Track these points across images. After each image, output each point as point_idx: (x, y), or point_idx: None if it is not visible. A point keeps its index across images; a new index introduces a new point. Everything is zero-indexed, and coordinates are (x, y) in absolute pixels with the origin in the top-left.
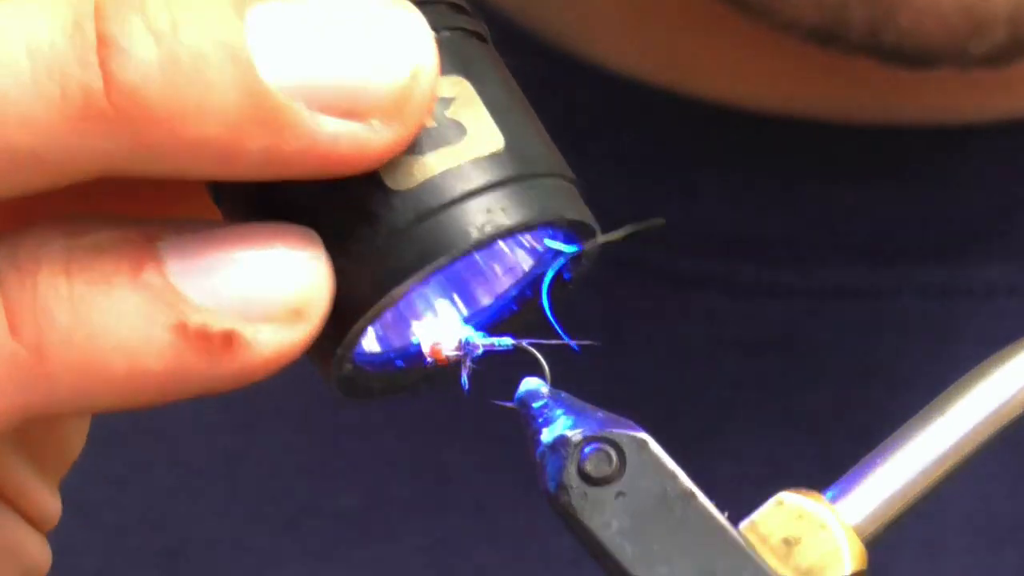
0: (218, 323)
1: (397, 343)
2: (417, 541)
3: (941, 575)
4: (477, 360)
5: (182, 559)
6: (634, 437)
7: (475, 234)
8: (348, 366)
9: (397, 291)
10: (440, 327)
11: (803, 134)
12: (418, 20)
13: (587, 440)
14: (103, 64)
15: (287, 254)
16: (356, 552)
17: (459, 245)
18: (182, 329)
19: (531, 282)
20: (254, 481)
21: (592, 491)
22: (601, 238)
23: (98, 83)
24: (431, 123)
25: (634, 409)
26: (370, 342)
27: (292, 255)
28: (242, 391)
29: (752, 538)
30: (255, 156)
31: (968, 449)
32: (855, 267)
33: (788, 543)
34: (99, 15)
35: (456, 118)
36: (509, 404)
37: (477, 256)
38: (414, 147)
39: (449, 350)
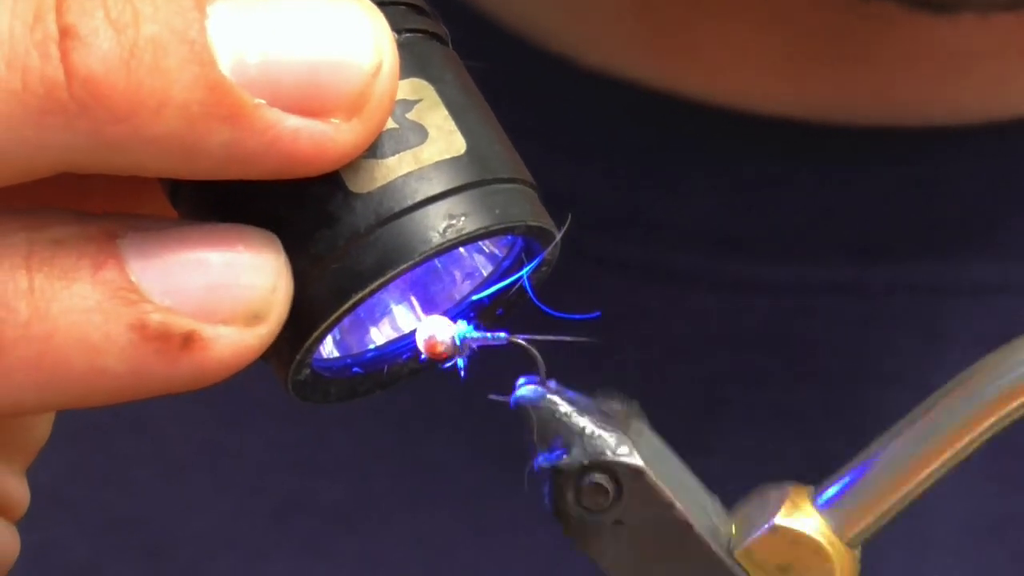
0: (178, 323)
1: (355, 348)
2: (404, 534)
3: (930, 574)
4: (471, 355)
5: (169, 554)
6: (630, 466)
7: (437, 239)
8: (306, 371)
9: (357, 297)
10: (435, 322)
11: (793, 132)
12: (378, 20)
13: (584, 469)
14: (65, 57)
15: (248, 257)
16: (343, 546)
17: (420, 251)
18: (141, 328)
19: (490, 287)
20: (240, 475)
21: (590, 518)
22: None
23: (60, 76)
24: (392, 125)
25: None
26: (327, 347)
27: (253, 258)
28: (227, 384)
29: (747, 565)
30: (216, 152)
31: (959, 451)
32: (845, 264)
33: (783, 570)
34: (60, 7)
35: (418, 120)
36: (503, 398)
37: (437, 261)
38: (375, 150)
39: (444, 345)
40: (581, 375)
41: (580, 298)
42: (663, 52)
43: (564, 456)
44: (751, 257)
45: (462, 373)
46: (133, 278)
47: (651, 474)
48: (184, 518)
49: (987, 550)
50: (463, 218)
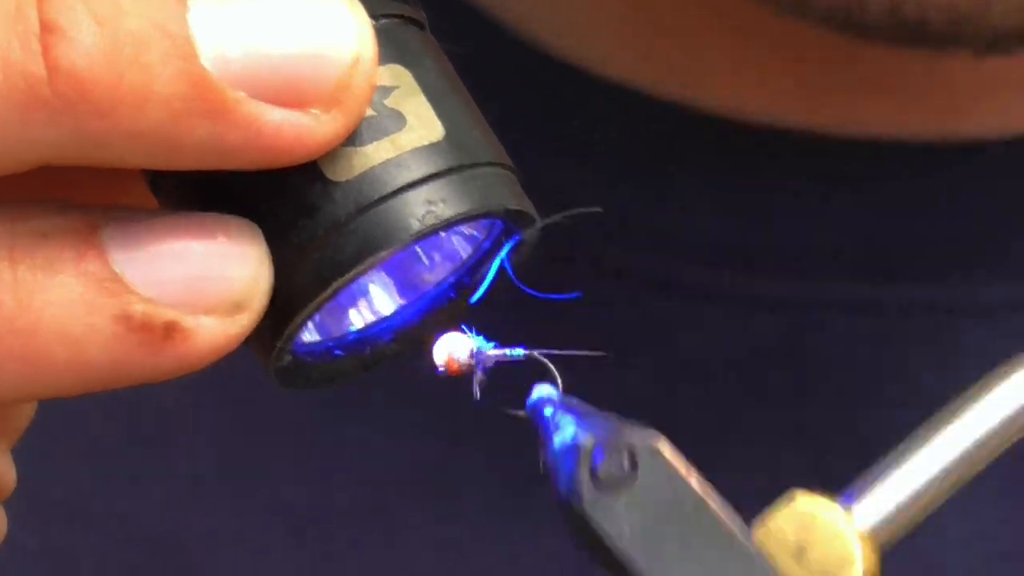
0: (160, 313)
1: (335, 332)
2: (418, 543)
3: None
4: (488, 370)
5: (187, 567)
6: (647, 441)
7: (416, 226)
8: (287, 357)
9: (338, 284)
10: (452, 338)
11: (806, 146)
12: (357, 10)
13: (599, 444)
14: (47, 51)
15: (230, 247)
16: (356, 554)
17: (400, 237)
18: (125, 319)
19: (469, 269)
20: (257, 488)
21: (604, 497)
22: (540, 223)
23: (41, 71)
24: (371, 112)
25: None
26: (308, 332)
27: (234, 248)
28: (241, 392)
29: (766, 543)
30: (197, 145)
31: (985, 455)
32: (857, 282)
33: (801, 549)
34: (42, 2)
35: (396, 107)
36: (520, 413)
37: (416, 245)
38: (354, 137)
39: (461, 360)
40: (589, 387)
41: (589, 309)
42: (668, 60)
43: (581, 433)
44: (762, 273)
45: (477, 389)
46: (116, 269)
47: (667, 450)
48: (201, 530)
49: (997, 570)
50: (442, 204)
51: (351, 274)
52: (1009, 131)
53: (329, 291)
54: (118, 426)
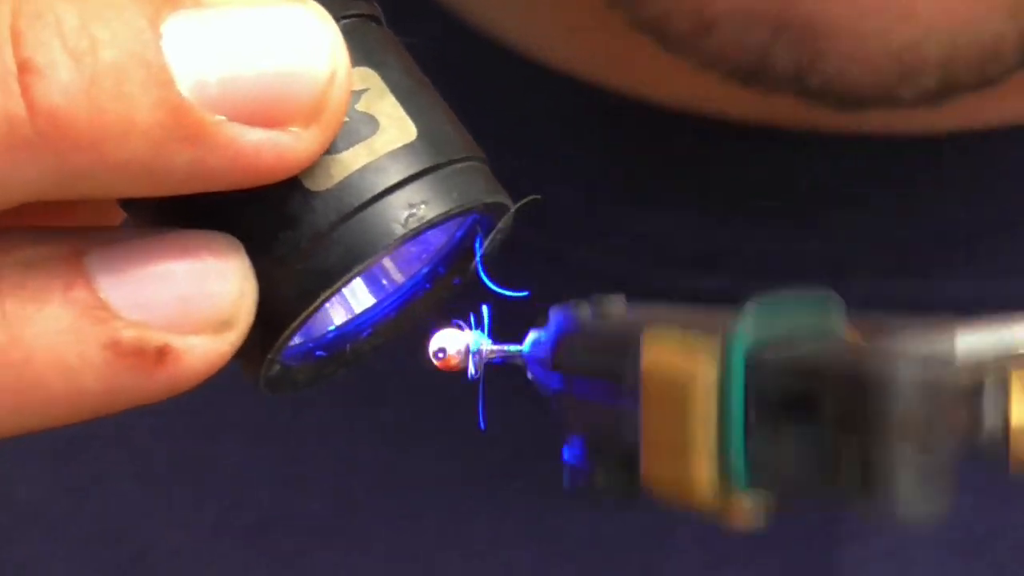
0: (150, 337)
1: (315, 332)
2: (384, 550)
3: None
4: (487, 367)
5: (148, 569)
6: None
7: (399, 230)
8: (276, 367)
9: (325, 295)
10: (448, 335)
11: (771, 146)
12: (329, 25)
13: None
14: (25, 91)
15: (213, 264)
16: (322, 561)
17: (384, 243)
18: (115, 345)
19: (443, 259)
20: (219, 489)
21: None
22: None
23: (21, 110)
24: (344, 119)
25: None
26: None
27: (218, 265)
28: (206, 398)
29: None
30: (180, 172)
31: None
32: (819, 281)
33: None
34: (17, 40)
35: (367, 111)
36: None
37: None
38: (330, 146)
39: (457, 358)
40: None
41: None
42: (641, 61)
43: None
44: (724, 273)
45: (478, 383)
46: (102, 295)
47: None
48: (163, 532)
49: (970, 566)
50: (423, 205)
51: (338, 284)
52: (976, 126)
53: (317, 302)
54: (78, 427)
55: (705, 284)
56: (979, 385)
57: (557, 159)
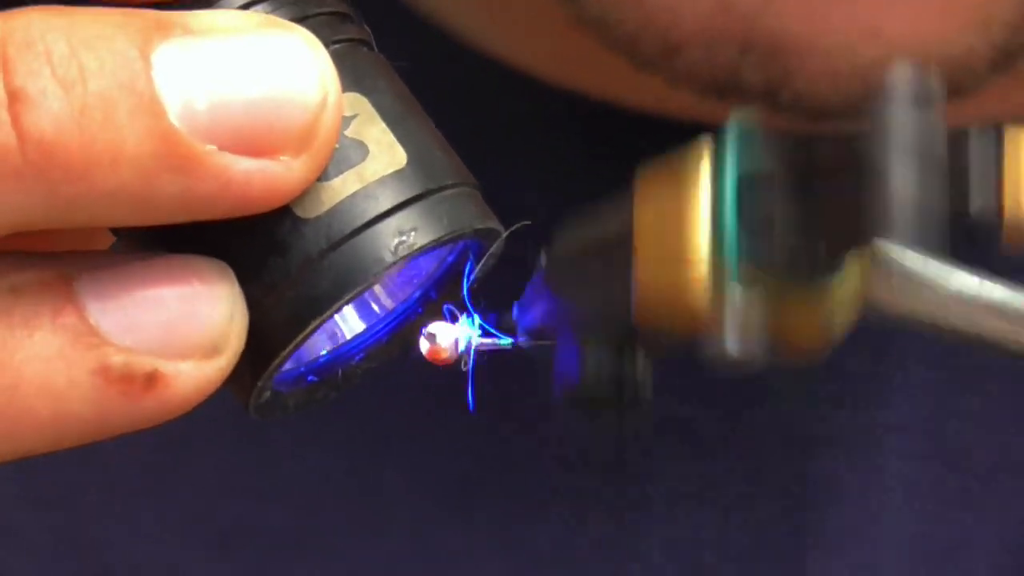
0: (140, 363)
1: (307, 358)
2: (352, 563)
3: None
4: (476, 361)
5: None
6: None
7: (390, 257)
8: (266, 394)
9: (316, 322)
10: (439, 328)
11: None
12: (319, 51)
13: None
14: (16, 120)
15: (203, 289)
16: (291, 572)
17: (375, 270)
18: (104, 371)
19: (435, 283)
20: (187, 501)
21: None
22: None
23: (12, 140)
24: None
25: None
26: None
27: (208, 290)
28: None
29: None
30: (170, 201)
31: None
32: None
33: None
34: (6, 69)
35: (357, 137)
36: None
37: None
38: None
39: (447, 352)
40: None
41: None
42: (615, 64)
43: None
44: None
45: (470, 375)
46: (92, 321)
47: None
48: (130, 544)
49: (935, 570)
50: (413, 233)
51: (328, 311)
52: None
53: (308, 330)
54: None
55: None
56: (964, 153)
57: (528, 163)
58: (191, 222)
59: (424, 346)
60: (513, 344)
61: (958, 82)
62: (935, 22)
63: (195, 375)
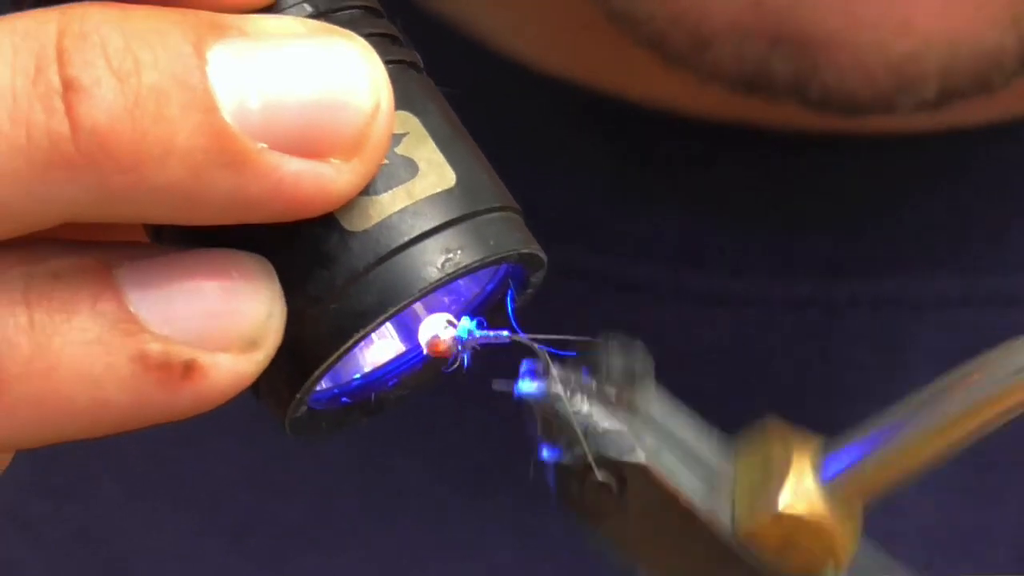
0: (178, 352)
1: (343, 379)
2: (365, 553)
3: None
4: (474, 352)
5: (128, 571)
6: (635, 465)
7: (435, 274)
8: (303, 408)
9: (358, 336)
10: (437, 320)
11: (756, 145)
12: (374, 59)
13: (589, 468)
14: (69, 109)
15: (243, 283)
16: (305, 564)
17: (420, 287)
18: (143, 358)
19: (473, 309)
20: (200, 493)
21: (597, 507)
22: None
23: (64, 128)
24: (384, 161)
25: None
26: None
27: (248, 284)
28: None
29: (750, 544)
30: (220, 199)
31: (965, 437)
32: (806, 279)
33: (785, 546)
34: (62, 59)
35: (407, 155)
36: (506, 387)
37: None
38: (369, 187)
39: (446, 344)
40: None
41: (536, 306)
42: (626, 61)
43: (568, 455)
44: (711, 270)
45: (465, 367)
46: (132, 308)
47: (655, 469)
48: (143, 534)
49: (954, 563)
50: (459, 252)
51: (371, 326)
52: (958, 124)
53: (350, 343)
54: None
55: (694, 282)
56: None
57: (550, 162)
58: (238, 226)
59: (424, 341)
60: (509, 339)
61: (987, 78)
62: (965, 17)
63: (232, 368)
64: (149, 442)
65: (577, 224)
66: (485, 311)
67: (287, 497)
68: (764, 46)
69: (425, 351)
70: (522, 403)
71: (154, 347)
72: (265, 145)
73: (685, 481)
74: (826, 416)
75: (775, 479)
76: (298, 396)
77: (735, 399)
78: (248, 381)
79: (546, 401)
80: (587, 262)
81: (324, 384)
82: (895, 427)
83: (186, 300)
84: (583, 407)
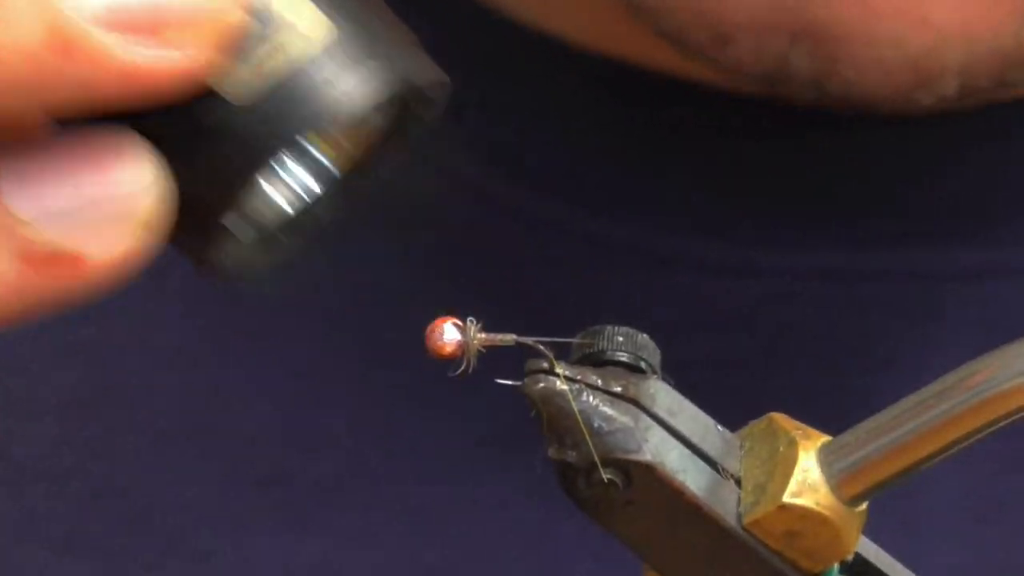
0: (63, 245)
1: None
2: (391, 509)
3: (925, 555)
4: (479, 355)
5: (152, 525)
6: (640, 463)
7: (335, 109)
8: (226, 251)
9: (258, 171)
10: (444, 323)
11: (785, 116)
12: None
13: (594, 466)
14: None
15: (121, 166)
16: (328, 520)
17: (315, 124)
18: (28, 255)
19: (381, 139)
20: (225, 447)
21: (602, 501)
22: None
23: None
24: (256, 23)
25: None
26: (238, 220)
27: (126, 167)
28: (215, 358)
29: (756, 534)
30: (69, 88)
31: (968, 434)
32: (834, 250)
33: (790, 536)
34: None
35: (280, 12)
36: (511, 383)
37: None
38: (243, 53)
39: (451, 346)
40: (560, 357)
41: (561, 275)
42: (646, 32)
43: (573, 453)
44: (738, 240)
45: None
46: (9, 204)
47: (660, 467)
48: (168, 488)
49: (983, 530)
50: (349, 92)
51: (267, 158)
52: (984, 100)
53: (249, 181)
54: (82, 384)
55: (720, 253)
56: None
57: (554, 122)
58: (125, 117)
59: (429, 344)
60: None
61: (1004, 73)
62: (983, 12)
63: (120, 251)
64: (174, 397)
65: (601, 195)
66: (394, 136)
67: (312, 451)
68: (784, 41)
69: (430, 354)
70: (526, 398)
71: (38, 242)
72: (104, 29)
73: (691, 477)
74: (849, 388)
75: (780, 471)
76: (213, 241)
77: (759, 370)
78: (138, 261)
79: (551, 399)
80: (612, 232)
81: (240, 222)
82: (899, 422)
83: (66, 191)
84: (588, 404)
